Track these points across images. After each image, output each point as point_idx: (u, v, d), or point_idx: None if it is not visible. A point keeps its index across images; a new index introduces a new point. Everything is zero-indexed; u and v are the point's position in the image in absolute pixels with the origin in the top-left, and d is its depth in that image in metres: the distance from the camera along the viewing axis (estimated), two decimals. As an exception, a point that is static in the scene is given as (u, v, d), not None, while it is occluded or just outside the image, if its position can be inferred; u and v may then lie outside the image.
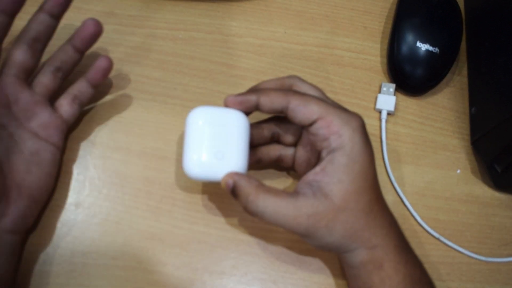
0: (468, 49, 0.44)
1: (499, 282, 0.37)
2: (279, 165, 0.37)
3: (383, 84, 0.41)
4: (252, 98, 0.31)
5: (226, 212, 0.37)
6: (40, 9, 0.33)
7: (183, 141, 0.32)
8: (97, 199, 0.36)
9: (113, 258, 0.35)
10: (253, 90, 0.33)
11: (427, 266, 0.32)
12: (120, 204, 0.36)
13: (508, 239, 0.38)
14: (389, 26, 0.44)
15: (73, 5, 0.42)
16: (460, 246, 0.37)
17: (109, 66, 0.36)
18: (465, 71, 0.43)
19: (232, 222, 0.37)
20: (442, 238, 0.38)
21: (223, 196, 0.37)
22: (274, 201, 0.29)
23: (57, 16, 0.34)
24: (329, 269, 0.36)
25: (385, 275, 0.30)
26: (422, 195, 0.39)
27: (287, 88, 0.33)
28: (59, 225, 0.35)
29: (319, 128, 0.30)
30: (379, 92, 0.42)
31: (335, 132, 0.30)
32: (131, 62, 0.41)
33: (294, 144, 0.35)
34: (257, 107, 0.32)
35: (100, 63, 0.36)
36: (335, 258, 0.36)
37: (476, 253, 0.37)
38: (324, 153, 0.30)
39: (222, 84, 0.41)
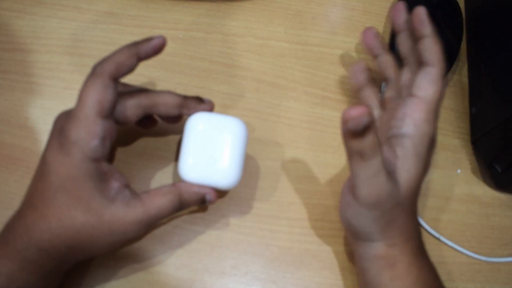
0: (468, 49, 0.44)
1: (499, 282, 0.37)
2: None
3: (384, 84, 0.41)
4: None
5: (226, 212, 0.37)
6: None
7: (181, 145, 0.32)
8: (97, 199, 0.36)
9: (113, 259, 0.34)
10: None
11: (427, 266, 0.32)
12: (120, 204, 0.36)
13: (508, 239, 0.38)
14: (389, 26, 0.44)
15: (73, 4, 0.42)
16: (461, 246, 0.37)
17: None
18: (465, 71, 0.43)
19: (232, 222, 0.36)
20: (442, 238, 0.37)
21: (223, 196, 0.37)
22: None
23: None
24: (329, 269, 0.36)
25: (397, 274, 0.29)
26: (423, 195, 0.39)
27: None
28: (58, 225, 0.35)
29: (414, 105, 0.30)
30: (380, 92, 0.41)
31: (426, 120, 0.30)
32: (131, 62, 0.41)
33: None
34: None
35: None
36: (335, 259, 0.36)
37: (476, 253, 0.37)
38: (403, 131, 0.30)
39: (222, 84, 0.41)
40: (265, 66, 0.42)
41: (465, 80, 0.43)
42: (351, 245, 0.33)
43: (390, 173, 0.29)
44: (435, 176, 0.40)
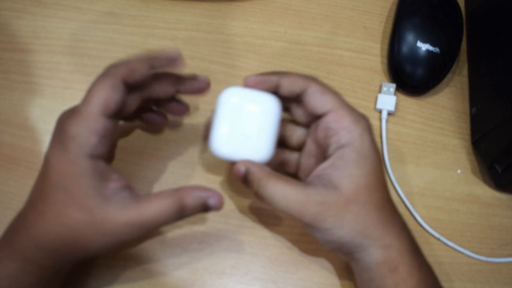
0: (468, 49, 0.44)
1: (499, 282, 0.37)
2: (283, 170, 0.37)
3: (384, 84, 0.41)
4: (273, 78, 0.32)
5: (226, 212, 0.37)
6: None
7: (213, 119, 0.32)
8: (96, 199, 0.36)
9: (113, 258, 0.34)
10: (274, 72, 0.33)
11: (427, 266, 0.32)
12: (120, 204, 0.36)
13: (508, 239, 0.38)
14: (390, 26, 0.44)
15: (73, 4, 0.42)
16: (461, 246, 0.37)
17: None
18: (465, 71, 0.43)
19: (232, 222, 0.36)
20: (442, 238, 0.37)
21: (223, 196, 0.37)
22: (284, 187, 0.29)
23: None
24: (329, 269, 0.36)
25: (400, 279, 0.29)
26: (423, 195, 0.39)
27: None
28: (58, 225, 0.35)
29: (330, 122, 0.31)
30: (380, 92, 0.41)
31: (346, 127, 0.30)
32: (131, 62, 0.41)
33: (299, 149, 0.35)
34: (276, 88, 0.32)
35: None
36: (335, 258, 0.36)
37: (476, 253, 0.37)
38: (332, 149, 0.31)
39: (223, 83, 0.40)
40: (265, 66, 0.42)
41: (465, 80, 0.43)
42: (352, 266, 0.32)
43: (328, 182, 0.30)
44: (435, 176, 0.40)
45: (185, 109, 0.36)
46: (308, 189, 0.29)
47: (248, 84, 0.32)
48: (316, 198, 0.29)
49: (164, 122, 0.37)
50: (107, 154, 0.30)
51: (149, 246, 0.35)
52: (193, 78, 0.33)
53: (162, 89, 0.32)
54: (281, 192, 0.29)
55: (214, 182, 0.37)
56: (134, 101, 0.31)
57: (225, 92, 0.32)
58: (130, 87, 0.30)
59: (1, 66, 0.40)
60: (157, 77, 0.32)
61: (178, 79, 0.33)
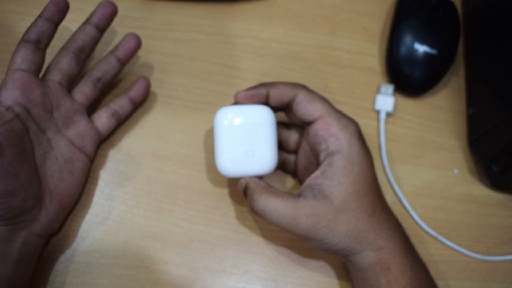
0: (465, 51, 0.44)
1: (496, 280, 0.37)
2: (283, 169, 0.38)
3: (382, 85, 0.42)
4: (262, 91, 0.32)
5: (226, 212, 0.37)
6: (88, 21, 0.35)
7: (214, 142, 0.33)
8: (98, 198, 0.37)
9: (114, 257, 0.35)
10: (262, 84, 0.33)
11: (424, 265, 0.32)
12: (121, 204, 0.37)
13: (504, 238, 0.39)
14: (388, 27, 0.44)
15: (75, 6, 0.42)
16: (458, 244, 0.38)
17: (149, 86, 0.39)
18: (462, 72, 0.44)
19: (232, 222, 0.37)
20: (439, 237, 0.38)
21: (224, 195, 0.38)
22: (275, 201, 0.30)
23: (102, 30, 0.36)
24: (328, 268, 0.36)
25: (392, 278, 0.30)
26: (420, 194, 0.39)
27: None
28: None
29: (319, 129, 0.31)
30: (378, 93, 0.42)
31: (334, 135, 0.31)
32: (132, 64, 0.41)
33: (295, 151, 0.36)
34: (266, 99, 0.33)
35: (143, 83, 0.38)
36: (333, 257, 0.36)
37: (473, 251, 0.38)
38: (322, 156, 0.31)
39: (223, 85, 0.41)
40: (265, 67, 0.42)
41: (462, 81, 0.43)
42: (348, 265, 0.33)
43: (319, 193, 0.30)
44: (432, 176, 0.40)
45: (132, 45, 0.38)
46: (299, 202, 0.30)
47: (239, 100, 0.33)
48: (307, 210, 0.30)
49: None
50: None
51: (149, 244, 0.36)
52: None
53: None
54: (272, 206, 0.30)
55: (215, 182, 0.38)
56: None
57: (219, 113, 0.32)
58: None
59: (4, 68, 0.40)
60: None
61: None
